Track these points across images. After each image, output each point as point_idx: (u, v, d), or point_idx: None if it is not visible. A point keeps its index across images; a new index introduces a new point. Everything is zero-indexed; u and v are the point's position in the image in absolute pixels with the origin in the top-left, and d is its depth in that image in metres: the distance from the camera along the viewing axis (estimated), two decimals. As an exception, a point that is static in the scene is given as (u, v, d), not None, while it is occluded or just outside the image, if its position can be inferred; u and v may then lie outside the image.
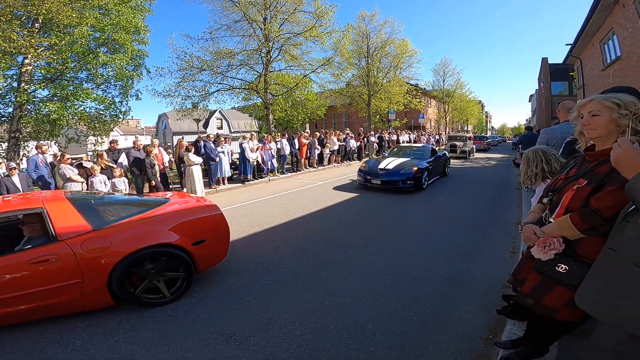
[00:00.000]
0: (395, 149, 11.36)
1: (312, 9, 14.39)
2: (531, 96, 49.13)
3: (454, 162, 15.29)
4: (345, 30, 15.85)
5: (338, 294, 3.40)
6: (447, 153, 12.08)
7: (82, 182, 6.84)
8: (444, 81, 37.51)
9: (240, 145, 10.91)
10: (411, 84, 25.22)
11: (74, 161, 7.59)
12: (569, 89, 23.18)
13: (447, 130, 40.45)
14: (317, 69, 15.85)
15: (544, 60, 26.95)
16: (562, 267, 1.51)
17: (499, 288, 3.40)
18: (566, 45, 15.91)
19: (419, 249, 4.61)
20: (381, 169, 8.71)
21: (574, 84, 20.09)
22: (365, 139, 18.23)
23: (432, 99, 39.04)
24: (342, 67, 18.97)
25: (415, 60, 23.73)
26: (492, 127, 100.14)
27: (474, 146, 21.95)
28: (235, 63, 14.62)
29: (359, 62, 22.58)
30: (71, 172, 6.70)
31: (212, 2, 14.01)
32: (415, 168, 8.46)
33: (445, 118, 40.67)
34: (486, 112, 78.99)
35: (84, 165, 7.79)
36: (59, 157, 7.04)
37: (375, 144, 18.70)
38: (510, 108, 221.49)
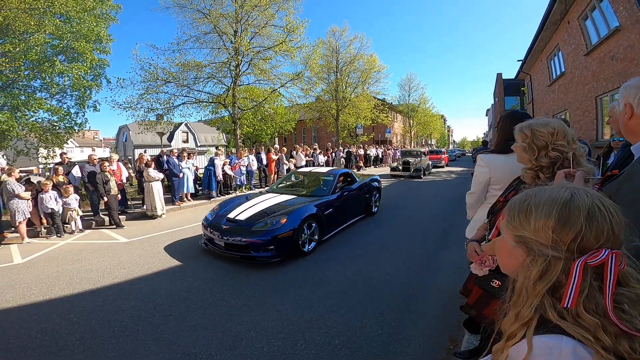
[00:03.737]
0: (289, 177, 7.99)
1: (283, 24, 14.51)
2: (487, 110, 52.36)
3: (401, 186, 12.99)
4: (316, 45, 16.02)
5: (303, 310, 3.39)
6: (377, 181, 8.16)
7: (29, 199, 6.35)
8: (409, 96, 39.10)
9: (212, 160, 10.66)
10: (378, 99, 26.05)
11: (22, 175, 7.06)
12: (520, 103, 24.03)
13: (412, 145, 42.02)
14: (286, 83, 15.86)
15: (499, 75, 28.33)
16: (495, 282, 1.62)
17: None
18: (518, 61, 16.87)
19: None
20: (230, 220, 5.07)
21: (524, 99, 21.43)
22: (334, 154, 18.45)
23: (398, 114, 40.51)
24: (311, 81, 19.08)
25: (383, 75, 24.52)
26: (454, 141, 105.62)
27: (431, 162, 19.75)
28: (202, 76, 14.30)
29: (328, 76, 23.04)
30: (18, 188, 6.21)
31: (181, 13, 13.70)
32: (283, 220, 4.77)
33: (411, 132, 42.31)
34: (448, 126, 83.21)
35: (32, 180, 7.25)
36: (6, 171, 6.50)
37: (342, 159, 19.01)
38: (470, 122, 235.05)
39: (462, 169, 22.61)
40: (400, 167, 16.01)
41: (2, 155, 10.66)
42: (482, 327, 2.20)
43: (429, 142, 53.51)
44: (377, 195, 7.98)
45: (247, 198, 6.09)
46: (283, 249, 4.70)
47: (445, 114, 74.22)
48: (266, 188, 8.01)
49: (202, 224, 5.47)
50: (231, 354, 2.68)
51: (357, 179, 7.38)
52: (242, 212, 5.27)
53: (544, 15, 10.93)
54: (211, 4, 13.56)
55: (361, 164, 20.88)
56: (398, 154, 22.87)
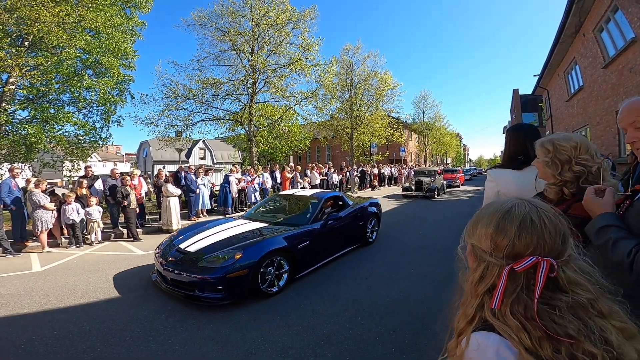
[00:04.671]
0: (270, 201, 7.10)
1: (298, 42, 14.97)
2: (505, 128, 51.54)
3: (411, 207, 11.94)
4: (330, 62, 16.33)
5: (318, 325, 3.31)
6: (376, 205, 7.06)
7: (53, 210, 6.58)
8: (423, 114, 39.14)
9: (227, 177, 10.84)
10: (393, 117, 26.11)
11: (48, 187, 7.32)
12: (539, 120, 23.16)
13: (427, 164, 41.63)
14: (301, 101, 16.16)
15: (515, 91, 27.73)
16: None
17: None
18: (534, 76, 16.44)
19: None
20: (179, 251, 4.33)
21: (543, 115, 20.82)
22: (348, 172, 18.39)
23: (412, 132, 40.46)
24: (326, 99, 19.46)
25: (397, 92, 24.60)
26: (470, 160, 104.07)
27: (445, 182, 18.48)
28: (220, 93, 14.78)
29: (342, 94, 23.29)
30: (44, 199, 6.45)
31: (201, 31, 14.38)
32: (238, 255, 3.90)
33: (426, 151, 42.02)
34: (464, 144, 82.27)
35: (56, 192, 7.51)
36: (32, 183, 6.78)
37: (357, 178, 18.92)
38: (486, 140, 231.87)
39: (479, 188, 22.13)
40: (413, 187, 15.42)
41: (28, 167, 11.10)
42: None
43: (445, 161, 52.91)
44: (375, 221, 6.76)
45: (216, 224, 5.25)
46: (235, 290, 3.78)
47: (461, 132, 73.63)
48: (242, 213, 6.83)
49: (154, 252, 4.70)
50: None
51: (350, 203, 6.32)
52: (197, 242, 4.44)
53: (558, 29, 10.79)
54: (229, 22, 14.17)
55: (375, 183, 20.75)
56: (412, 173, 22.27)
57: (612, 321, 0.73)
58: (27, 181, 7.22)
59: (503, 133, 54.55)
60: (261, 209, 6.43)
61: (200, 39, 14.71)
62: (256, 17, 14.22)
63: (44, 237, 6.41)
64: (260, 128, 16.26)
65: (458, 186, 22.10)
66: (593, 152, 1.40)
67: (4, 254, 6.02)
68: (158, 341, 3.03)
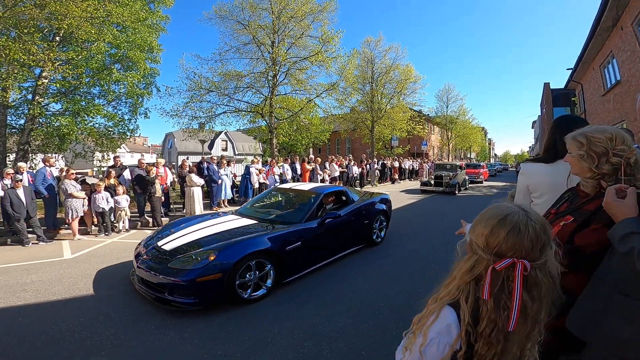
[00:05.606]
0: (267, 195, 6.33)
1: (318, 34, 14.89)
2: (534, 122, 49.34)
3: (430, 203, 11.44)
4: (351, 55, 16.21)
5: (335, 319, 3.34)
6: (386, 201, 6.45)
7: (84, 199, 6.91)
8: (447, 107, 38.06)
9: (247, 167, 11.02)
10: (414, 110, 25.54)
11: (79, 177, 7.70)
12: (571, 114, 22.70)
13: (450, 158, 40.61)
14: (322, 93, 16.15)
15: (546, 85, 26.61)
16: None
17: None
18: (567, 69, 15.86)
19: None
20: (155, 248, 4.03)
21: (575, 110, 20.07)
22: (368, 165, 18.28)
23: (435, 126, 39.49)
24: (346, 92, 19.32)
25: (419, 86, 24.08)
26: (495, 155, 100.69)
27: (467, 177, 17.95)
28: (242, 85, 14.97)
29: (363, 87, 23.01)
30: (73, 188, 6.78)
31: (222, 24, 14.57)
32: (212, 257, 3.53)
33: (449, 145, 40.97)
34: (489, 139, 79.60)
35: (87, 181, 7.88)
36: (63, 172, 7.16)
37: (377, 171, 18.78)
38: (513, 135, 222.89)
39: (504, 183, 21.39)
40: (432, 182, 14.83)
41: (62, 157, 11.70)
42: None
43: (468, 156, 51.42)
44: (383, 219, 6.19)
45: (202, 220, 4.91)
46: (207, 294, 3.44)
47: (487, 127, 71.05)
48: (237, 208, 6.14)
49: (135, 247, 4.47)
50: None
51: (355, 199, 5.78)
52: (176, 239, 4.12)
53: (594, 22, 10.30)
54: (250, 15, 14.25)
55: (396, 176, 20.52)
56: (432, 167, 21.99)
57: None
58: (61, 171, 7.61)
59: (532, 128, 52.34)
60: (257, 203, 5.91)
61: (221, 32, 14.94)
62: (276, 9, 14.20)
63: (75, 224, 6.76)
64: (280, 120, 16.37)
65: (481, 182, 21.36)
66: (629, 142, 1.35)
67: (37, 241, 6.39)
68: (177, 328, 3.14)
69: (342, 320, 3.31)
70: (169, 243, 4.06)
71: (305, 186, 6.04)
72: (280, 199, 6.03)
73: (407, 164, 22.71)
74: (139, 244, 4.48)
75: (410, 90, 23.85)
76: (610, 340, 1.17)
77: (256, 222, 4.72)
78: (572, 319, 1.34)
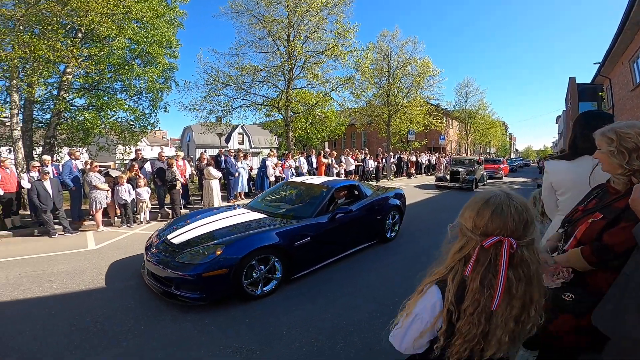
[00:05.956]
0: (278, 189, 6.21)
1: (334, 28, 14.80)
2: (558, 117, 47.76)
3: (449, 196, 11.57)
4: (367, 49, 16.11)
5: (349, 313, 3.36)
6: (400, 196, 6.32)
7: (108, 190, 7.16)
8: (466, 101, 37.19)
9: (263, 161, 11.14)
10: (432, 104, 25.08)
11: (102, 169, 7.97)
12: (594, 110, 22.01)
13: (468, 153, 39.74)
14: (337, 87, 16.11)
15: (572, 79, 26.04)
16: (568, 296, 1.51)
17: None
18: (594, 64, 15.52)
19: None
20: (165, 242, 4.04)
21: (603, 105, 19.43)
22: (384, 159, 18.14)
23: (453, 120, 38.64)
24: (362, 86, 19.13)
25: (437, 79, 23.61)
26: (516, 150, 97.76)
27: (485, 172, 17.40)
28: (258, 79, 15.08)
29: (379, 81, 22.74)
30: (97, 180, 7.03)
31: (238, 19, 14.64)
32: (219, 252, 3.50)
33: (467, 140, 40.05)
34: (510, 134, 77.30)
35: (110, 173, 8.15)
36: (88, 165, 7.43)
37: (393, 165, 18.60)
38: (535, 130, 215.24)
39: (525, 179, 20.79)
40: (448, 177, 14.28)
41: (86, 151, 12.14)
42: (543, 343, 2.05)
43: (488, 151, 50.15)
44: (397, 215, 6.08)
45: (213, 213, 4.87)
46: (213, 290, 3.43)
47: (508, 121, 69.10)
48: (244, 201, 5.85)
49: (146, 240, 4.51)
50: (272, 351, 2.74)
51: (368, 194, 5.69)
52: (185, 233, 4.12)
53: (623, 16, 9.95)
54: (265, 10, 14.27)
55: (412, 170, 20.29)
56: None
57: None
58: (85, 163, 7.90)
59: (556, 123, 50.56)
60: (268, 197, 5.85)
61: (237, 27, 15.06)
62: (291, 3, 14.14)
63: (99, 216, 7.02)
64: (296, 114, 16.40)
65: (501, 177, 20.81)
66: None
67: (63, 232, 6.66)
68: (194, 320, 3.23)
69: (356, 315, 3.33)
70: (179, 236, 4.07)
71: (317, 180, 5.88)
72: (291, 193, 5.90)
73: (424, 158, 22.42)
74: (150, 236, 4.56)
75: (427, 84, 23.42)
76: (634, 338, 1.15)
77: (266, 216, 4.69)
78: (598, 315, 1.32)
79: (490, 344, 0.94)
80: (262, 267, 3.73)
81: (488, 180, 17.82)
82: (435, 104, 25.67)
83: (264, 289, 3.74)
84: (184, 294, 3.40)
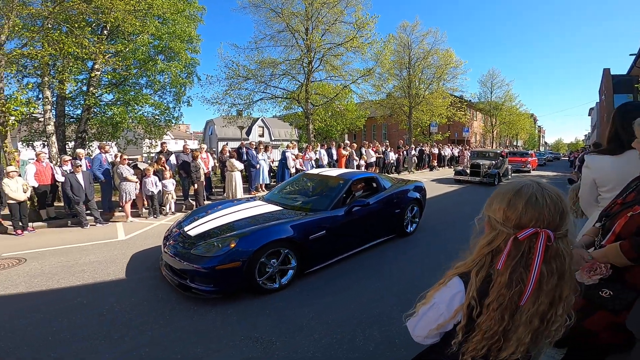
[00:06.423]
0: (295, 181, 6.12)
1: (352, 20, 14.61)
2: (591, 109, 45.45)
3: (472, 190, 11.35)
4: (387, 40, 15.85)
5: (369, 306, 3.38)
6: (420, 189, 6.19)
7: (137, 182, 7.44)
8: (491, 93, 35.87)
9: (283, 153, 11.24)
10: (455, 96, 24.37)
11: (131, 162, 8.29)
12: (633, 101, 20.88)
13: (494, 145, 38.46)
14: (357, 79, 15.98)
15: (606, 71, 24.96)
16: (605, 292, 1.47)
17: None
18: (630, 55, 14.83)
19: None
20: (182, 234, 4.11)
21: (639, 97, 18.38)
22: (405, 152, 17.88)
23: (477, 112, 37.41)
24: (382, 78, 18.90)
25: (460, 71, 22.84)
26: (546, 143, 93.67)
27: (510, 166, 16.30)
28: (278, 72, 15.14)
29: (400, 73, 22.27)
30: (128, 172, 7.32)
31: (256, 13, 14.66)
32: (232, 245, 3.51)
33: (492, 132, 38.71)
34: (539, 126, 74.05)
35: (138, 166, 8.47)
36: (118, 158, 7.74)
37: (414, 158, 18.30)
38: (566, 122, 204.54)
39: (555, 173, 19.92)
40: (468, 171, 13.53)
41: (115, 144, 12.67)
42: (570, 342, 1.98)
43: (515, 143, 48.31)
44: (416, 208, 5.95)
45: (229, 205, 4.89)
46: (226, 282, 3.44)
47: (536, 113, 66.10)
48: (264, 193, 5.89)
49: (165, 232, 4.56)
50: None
51: (386, 186, 5.59)
52: (201, 225, 4.16)
53: None
54: (283, 3, 14.21)
55: (435, 163, 19.88)
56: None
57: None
58: (115, 156, 8.24)
59: (589, 115, 48.05)
60: (285, 189, 5.78)
61: (256, 21, 15.07)
62: (308, -4, 14.03)
63: (128, 207, 7.33)
64: (316, 106, 16.39)
65: (529, 171, 19.90)
66: None
67: (95, 223, 6.99)
68: (218, 311, 3.34)
69: (375, 308, 3.34)
70: (195, 228, 4.11)
71: (334, 172, 5.77)
72: (307, 185, 5.80)
73: (447, 150, 21.92)
74: (170, 227, 4.65)
75: (450, 75, 22.67)
76: None
77: (281, 208, 4.65)
78: (633, 319, 1.28)
79: (509, 342, 0.90)
80: (275, 260, 3.70)
81: (514, 174, 17.08)
82: (459, 95, 24.90)
83: (282, 281, 3.76)
84: (198, 286, 3.44)
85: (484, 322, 0.90)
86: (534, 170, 21.26)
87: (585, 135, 66.12)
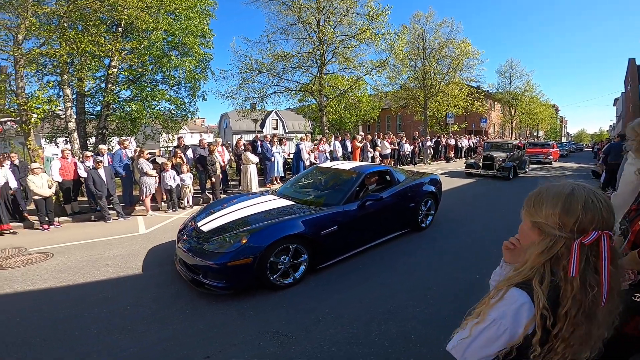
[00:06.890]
0: (307, 174, 6.08)
1: (365, 11, 14.38)
2: (616, 100, 43.48)
3: (489, 182, 10.99)
4: (400, 31, 15.59)
5: (384, 301, 3.39)
6: (435, 182, 6.04)
7: (156, 177, 7.62)
8: (510, 83, 34.72)
9: (297, 145, 11.27)
10: (472, 87, 23.75)
11: (150, 156, 8.49)
12: None
13: (513, 136, 37.38)
14: (371, 71, 15.78)
15: (632, 61, 24.10)
16: (638, 297, 1.46)
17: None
18: None
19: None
20: (195, 229, 4.13)
21: None
22: (421, 143, 17.62)
23: (496, 102, 36.34)
24: (396, 69, 18.61)
25: (477, 61, 22.32)
26: (568, 133, 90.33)
27: (528, 157, 15.43)
28: (291, 65, 15.10)
29: (414, 63, 21.86)
30: (147, 166, 7.51)
31: (267, 6, 14.59)
32: (244, 241, 3.51)
33: (512, 123, 37.58)
34: (561, 116, 71.34)
35: (157, 160, 8.66)
36: (138, 153, 7.93)
37: (430, 149, 18.01)
38: (590, 112, 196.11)
39: (578, 165, 19.24)
40: (480, 164, 12.41)
41: (134, 139, 12.97)
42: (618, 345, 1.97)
43: (535, 134, 46.77)
44: (431, 202, 5.84)
45: (242, 200, 4.87)
46: (238, 279, 3.45)
47: (558, 103, 63.48)
48: (278, 186, 5.84)
49: (180, 227, 4.60)
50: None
51: (401, 180, 5.47)
52: (214, 220, 4.18)
53: None
54: (293, -5, 13.97)
55: (451, 154, 19.53)
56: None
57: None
58: (135, 151, 8.44)
59: (614, 105, 46.11)
60: (297, 183, 5.70)
61: (267, 14, 15.05)
62: (318, -13, 13.83)
63: (148, 201, 7.53)
64: (330, 98, 16.30)
65: (550, 162, 19.06)
66: None
67: (117, 217, 7.21)
68: (237, 307, 3.41)
69: (390, 303, 3.35)
70: (208, 224, 4.12)
71: (347, 165, 5.69)
72: (320, 178, 5.69)
73: (464, 142, 21.47)
74: (185, 221, 4.72)
75: (467, 66, 22.21)
76: None
77: (293, 203, 4.62)
78: None
79: (589, 344, 0.90)
80: (285, 257, 3.70)
81: (536, 166, 16.41)
82: (476, 86, 24.25)
83: (296, 275, 3.78)
84: (211, 282, 3.47)
85: (566, 330, 0.87)
86: (555, 161, 20.58)
87: (610, 126, 63.36)
